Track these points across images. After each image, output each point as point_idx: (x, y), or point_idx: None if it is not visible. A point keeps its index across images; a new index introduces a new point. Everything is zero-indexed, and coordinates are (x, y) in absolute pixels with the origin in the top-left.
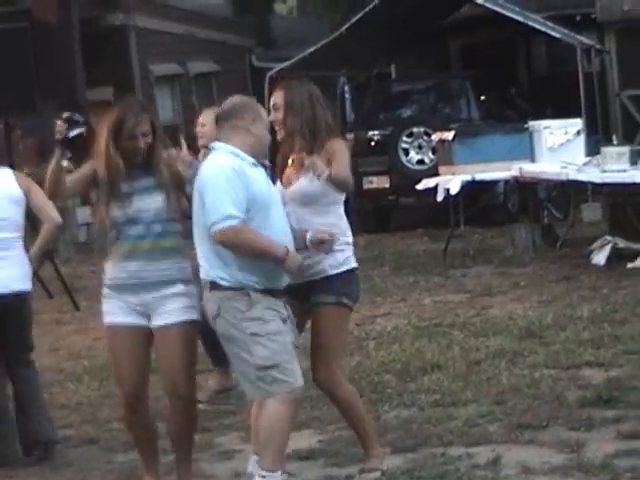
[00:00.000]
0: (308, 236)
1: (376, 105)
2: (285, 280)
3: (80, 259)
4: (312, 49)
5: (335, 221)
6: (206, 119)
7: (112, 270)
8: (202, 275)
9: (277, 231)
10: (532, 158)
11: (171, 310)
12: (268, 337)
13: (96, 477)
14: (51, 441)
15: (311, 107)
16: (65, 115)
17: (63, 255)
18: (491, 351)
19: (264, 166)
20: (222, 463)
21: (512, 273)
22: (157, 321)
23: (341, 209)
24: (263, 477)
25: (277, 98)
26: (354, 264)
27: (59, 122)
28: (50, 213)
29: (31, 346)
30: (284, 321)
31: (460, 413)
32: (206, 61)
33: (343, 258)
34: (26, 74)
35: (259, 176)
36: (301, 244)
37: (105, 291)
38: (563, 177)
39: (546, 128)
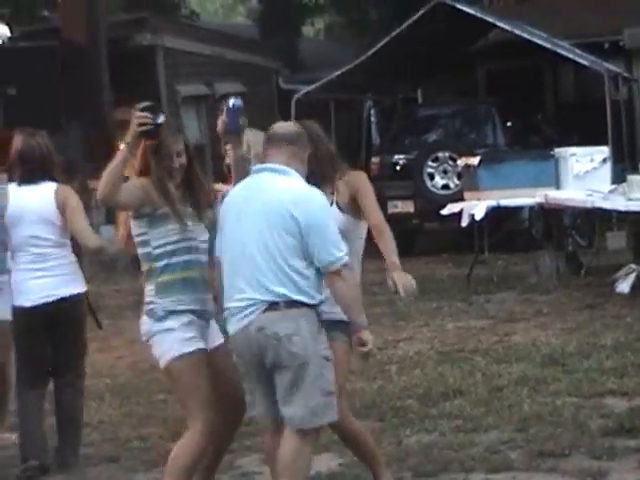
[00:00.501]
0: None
1: (402, 129)
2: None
3: (103, 278)
4: (339, 72)
5: (356, 265)
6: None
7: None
8: (268, 295)
9: None
10: (557, 185)
11: (215, 331)
12: (331, 363)
13: None
14: (67, 466)
15: (311, 142)
16: (143, 104)
17: (86, 273)
18: (513, 378)
19: None
20: None
21: (535, 300)
22: (211, 343)
23: (362, 244)
24: None
25: None
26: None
27: (140, 113)
28: (85, 237)
29: (80, 355)
30: None
31: (481, 439)
32: (233, 82)
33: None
34: (53, 92)
35: None
36: None
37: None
38: (588, 205)
39: (572, 155)
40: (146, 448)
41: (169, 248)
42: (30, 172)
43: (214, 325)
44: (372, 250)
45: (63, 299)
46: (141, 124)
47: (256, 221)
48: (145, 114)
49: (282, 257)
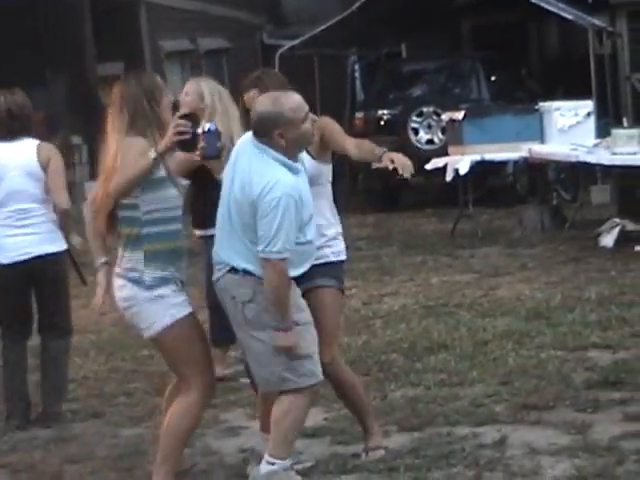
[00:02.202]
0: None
1: (386, 84)
2: (303, 268)
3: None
4: (323, 27)
5: (326, 210)
6: (190, 88)
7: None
8: (232, 262)
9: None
10: (542, 139)
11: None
12: (305, 327)
13: (102, 451)
14: (51, 416)
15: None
16: (183, 112)
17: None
18: (498, 332)
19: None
20: (228, 439)
21: (520, 254)
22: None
23: (330, 192)
24: (272, 464)
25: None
26: (345, 256)
27: (179, 121)
28: (59, 195)
29: (65, 313)
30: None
31: (466, 393)
32: (217, 38)
33: (342, 247)
34: (36, 48)
35: (305, 187)
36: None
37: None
38: (573, 159)
39: (556, 110)
40: (132, 403)
41: (163, 215)
42: (9, 129)
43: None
44: (355, 206)
45: (40, 257)
46: (179, 133)
47: (233, 190)
48: (184, 122)
49: (244, 232)
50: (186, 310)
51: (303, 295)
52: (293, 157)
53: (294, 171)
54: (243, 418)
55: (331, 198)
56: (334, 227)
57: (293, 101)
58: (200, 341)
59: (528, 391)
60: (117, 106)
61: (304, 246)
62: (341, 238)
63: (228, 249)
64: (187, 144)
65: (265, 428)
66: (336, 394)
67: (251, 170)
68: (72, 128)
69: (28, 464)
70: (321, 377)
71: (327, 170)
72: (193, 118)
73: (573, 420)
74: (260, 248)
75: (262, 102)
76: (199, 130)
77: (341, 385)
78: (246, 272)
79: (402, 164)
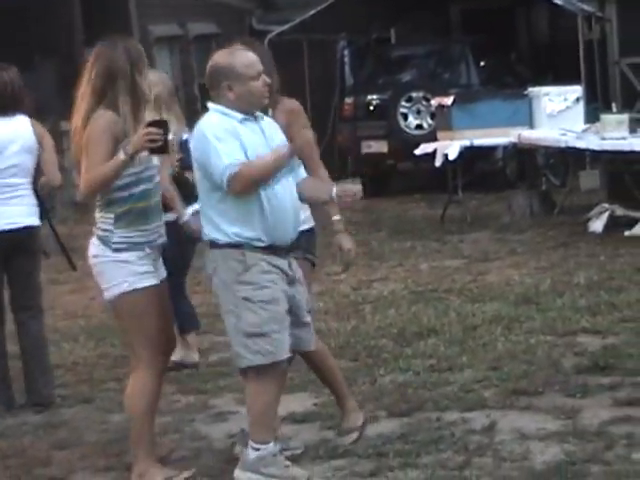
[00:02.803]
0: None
1: (375, 69)
2: (291, 235)
3: (77, 219)
4: (312, 12)
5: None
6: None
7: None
8: (204, 233)
9: (279, 189)
10: (531, 124)
11: (161, 264)
12: (260, 304)
13: (91, 437)
14: (45, 402)
15: (266, 69)
16: (152, 120)
17: (60, 214)
18: (487, 317)
19: (257, 117)
20: (217, 425)
21: (509, 239)
22: (160, 276)
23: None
24: (257, 450)
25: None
26: (313, 223)
27: (150, 129)
28: (53, 171)
29: (38, 291)
30: (290, 283)
31: (456, 378)
32: (206, 23)
33: (304, 216)
34: (23, 31)
35: (250, 131)
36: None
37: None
38: (562, 144)
39: (545, 95)
40: (121, 389)
41: (132, 179)
42: (4, 105)
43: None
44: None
45: (27, 227)
46: (152, 140)
47: (195, 165)
48: (155, 130)
49: (202, 194)
50: (148, 281)
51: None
52: (246, 112)
53: (233, 117)
54: (232, 403)
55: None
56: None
57: (247, 57)
58: (157, 317)
59: (517, 376)
60: (98, 70)
61: (260, 202)
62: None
63: (203, 220)
64: (157, 149)
65: None
66: (314, 370)
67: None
68: (61, 114)
69: (17, 449)
70: (282, 357)
71: None
72: (162, 124)
73: (562, 405)
74: (218, 177)
75: (217, 55)
76: (170, 136)
77: (316, 359)
78: (213, 244)
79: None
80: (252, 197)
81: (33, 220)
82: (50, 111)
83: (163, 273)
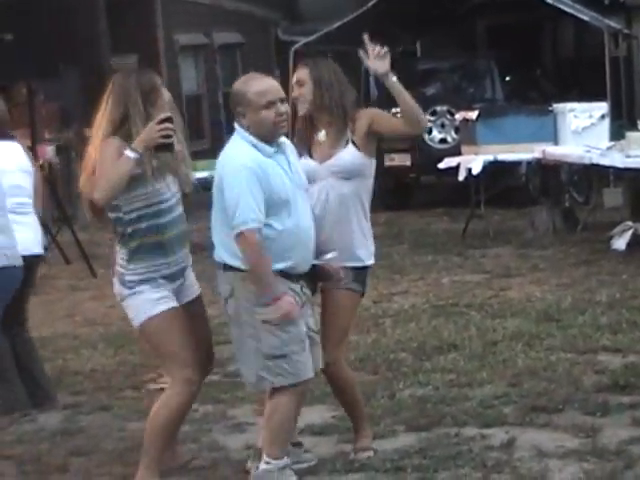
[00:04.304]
0: (329, 256)
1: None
2: (307, 263)
3: (98, 226)
4: (338, 24)
5: (366, 203)
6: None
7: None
8: (217, 255)
9: (300, 218)
10: (555, 141)
11: (191, 284)
12: (280, 326)
13: (108, 444)
14: (56, 404)
15: (339, 83)
16: (164, 116)
17: (81, 222)
18: (508, 333)
19: (280, 144)
20: (234, 435)
21: (531, 255)
22: (186, 297)
23: (371, 187)
24: (268, 463)
25: (302, 74)
26: (372, 261)
27: (163, 125)
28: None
29: (27, 305)
30: (303, 306)
31: (475, 394)
32: (231, 32)
33: (372, 250)
34: (49, 39)
35: (277, 165)
36: (318, 254)
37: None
38: (586, 161)
39: (571, 111)
40: (139, 397)
41: (146, 212)
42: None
43: (191, 277)
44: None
45: (37, 256)
46: (165, 136)
47: (215, 188)
48: (168, 126)
49: (220, 220)
50: (165, 305)
51: (320, 292)
52: (264, 140)
53: (263, 152)
54: (250, 414)
55: (370, 194)
56: (368, 222)
57: (261, 85)
58: (180, 335)
59: (537, 393)
60: (110, 100)
61: (281, 234)
62: (372, 240)
63: (217, 243)
64: (164, 146)
65: None
66: (333, 392)
67: (223, 151)
68: (85, 121)
69: (34, 456)
70: (304, 377)
71: (371, 163)
72: (171, 121)
73: (582, 423)
74: (231, 224)
75: (239, 80)
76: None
77: (338, 384)
78: (227, 266)
79: None
80: (269, 226)
81: (39, 249)
82: (75, 118)
83: (190, 293)
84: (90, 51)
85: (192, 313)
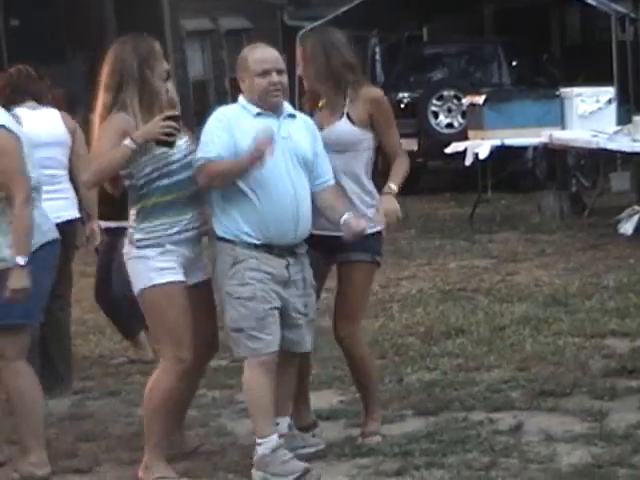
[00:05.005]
0: (344, 217)
1: (407, 67)
2: (293, 236)
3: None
4: (344, 8)
5: (363, 178)
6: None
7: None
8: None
9: (282, 188)
10: (562, 125)
11: (202, 266)
12: (239, 301)
13: (116, 430)
14: (64, 389)
15: (324, 53)
16: (169, 113)
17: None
18: (515, 317)
19: (280, 114)
20: (242, 420)
21: (539, 240)
22: (195, 277)
23: (368, 160)
24: (259, 444)
25: (297, 53)
26: (382, 226)
27: (167, 122)
28: (84, 168)
29: (69, 282)
30: (285, 284)
31: (483, 378)
32: (238, 17)
33: (370, 217)
34: (56, 24)
35: (259, 126)
36: (335, 220)
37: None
38: (593, 145)
39: (577, 95)
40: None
41: (158, 174)
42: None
43: (202, 260)
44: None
45: (69, 221)
46: (168, 134)
47: None
48: (172, 124)
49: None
50: (169, 277)
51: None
52: (261, 105)
53: (248, 111)
54: None
55: (368, 167)
56: (369, 195)
57: (261, 54)
58: (179, 313)
59: (545, 377)
60: (107, 70)
61: (259, 204)
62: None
63: (210, 212)
64: (171, 143)
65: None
66: (349, 369)
67: None
68: (92, 106)
69: None
70: (261, 353)
71: (367, 137)
72: (177, 119)
73: (590, 407)
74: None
75: (246, 47)
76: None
77: (353, 361)
78: (217, 236)
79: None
80: (240, 193)
81: (73, 213)
82: (81, 103)
83: (199, 275)
84: (96, 37)
85: (198, 296)
